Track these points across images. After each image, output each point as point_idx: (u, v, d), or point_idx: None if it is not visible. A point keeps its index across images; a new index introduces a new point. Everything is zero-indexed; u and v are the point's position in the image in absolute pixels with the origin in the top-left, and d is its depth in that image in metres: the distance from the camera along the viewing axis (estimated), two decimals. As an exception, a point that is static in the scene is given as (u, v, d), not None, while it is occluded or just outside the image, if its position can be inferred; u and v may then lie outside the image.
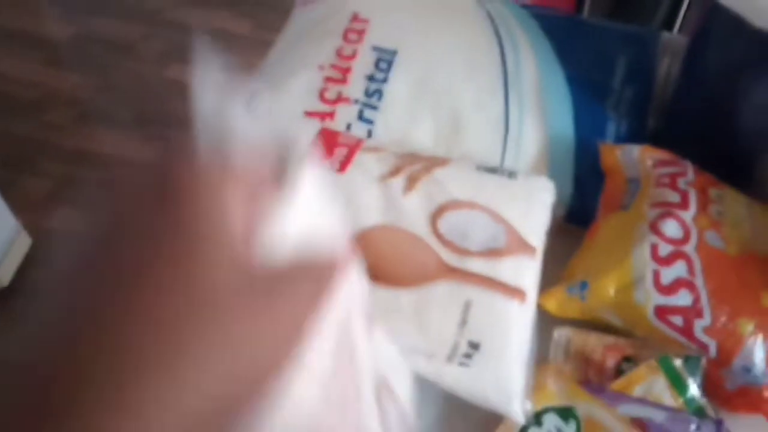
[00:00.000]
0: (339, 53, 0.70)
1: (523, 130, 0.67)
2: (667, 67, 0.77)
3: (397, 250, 0.56)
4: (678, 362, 0.55)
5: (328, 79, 0.69)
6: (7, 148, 1.86)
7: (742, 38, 0.59)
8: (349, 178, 0.59)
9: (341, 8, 0.75)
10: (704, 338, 0.55)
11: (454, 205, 0.57)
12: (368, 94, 0.68)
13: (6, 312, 1.49)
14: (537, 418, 0.54)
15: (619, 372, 0.57)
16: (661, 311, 0.56)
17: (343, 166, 0.60)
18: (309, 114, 0.66)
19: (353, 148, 0.62)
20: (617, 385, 0.56)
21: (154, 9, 2.26)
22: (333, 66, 0.70)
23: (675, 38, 0.81)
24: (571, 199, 0.66)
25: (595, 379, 0.57)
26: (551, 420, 0.54)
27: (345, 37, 0.71)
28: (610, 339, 0.58)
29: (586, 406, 0.54)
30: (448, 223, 0.56)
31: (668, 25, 1.29)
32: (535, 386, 0.56)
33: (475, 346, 0.52)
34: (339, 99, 0.67)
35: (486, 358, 0.54)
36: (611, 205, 0.64)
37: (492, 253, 0.55)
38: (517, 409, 0.54)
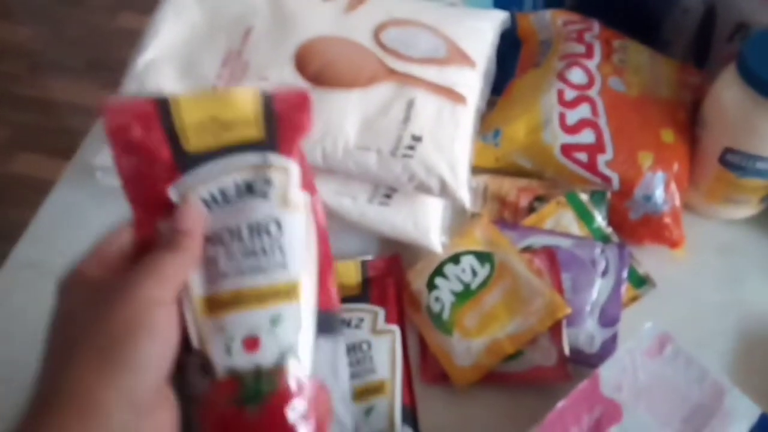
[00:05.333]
0: None
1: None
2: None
3: (344, 57, 0.59)
4: (584, 196, 0.59)
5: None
6: (-36, 98, 1.87)
7: None
8: None
9: None
10: (607, 171, 0.59)
11: (395, 22, 0.61)
12: None
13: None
14: (455, 258, 0.58)
15: (531, 211, 0.61)
16: (567, 149, 0.60)
17: None
18: None
19: None
20: (529, 221, 0.60)
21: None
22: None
23: None
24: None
25: (510, 218, 0.61)
26: (468, 261, 0.57)
27: None
28: (523, 182, 0.62)
29: (504, 253, 0.57)
30: (390, 35, 0.60)
31: None
32: (463, 233, 0.59)
33: (417, 138, 0.56)
34: None
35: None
36: (526, 67, 0.68)
37: (433, 61, 0.59)
38: (435, 240, 0.57)
